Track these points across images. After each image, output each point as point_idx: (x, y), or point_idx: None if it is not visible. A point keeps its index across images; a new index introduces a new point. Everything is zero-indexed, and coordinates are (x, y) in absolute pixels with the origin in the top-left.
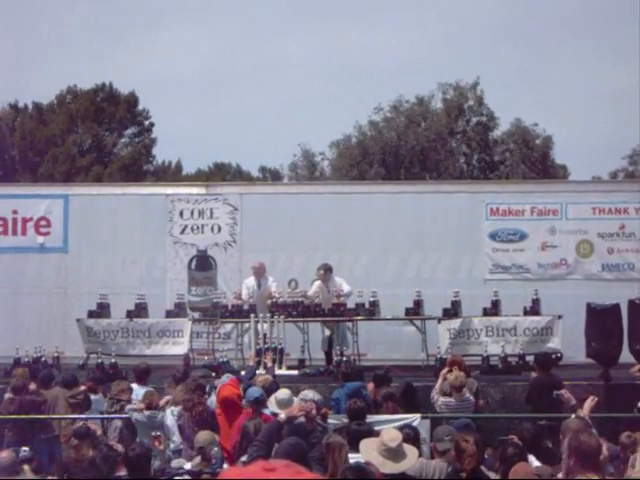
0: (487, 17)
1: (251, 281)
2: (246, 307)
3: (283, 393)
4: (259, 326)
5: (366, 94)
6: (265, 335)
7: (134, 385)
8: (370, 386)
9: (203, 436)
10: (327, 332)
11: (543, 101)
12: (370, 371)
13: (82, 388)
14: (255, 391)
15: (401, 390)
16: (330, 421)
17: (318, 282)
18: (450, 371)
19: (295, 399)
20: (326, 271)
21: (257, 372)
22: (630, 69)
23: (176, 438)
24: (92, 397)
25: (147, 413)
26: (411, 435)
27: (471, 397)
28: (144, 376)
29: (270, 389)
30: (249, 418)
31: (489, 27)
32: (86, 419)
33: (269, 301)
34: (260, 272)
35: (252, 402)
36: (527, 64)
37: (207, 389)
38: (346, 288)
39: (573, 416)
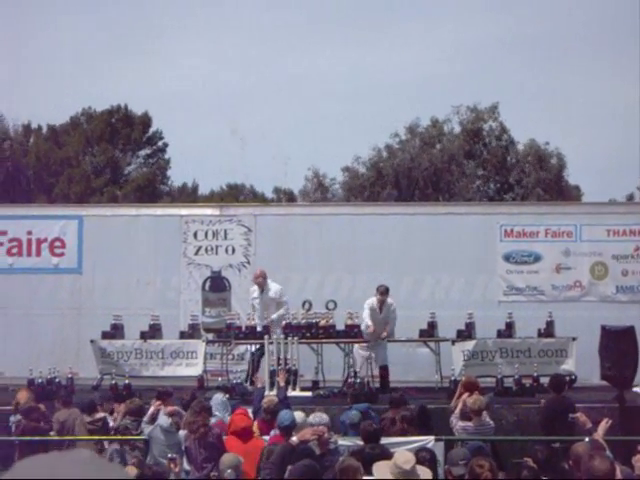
0: (502, 36)
1: (255, 289)
2: (259, 328)
3: (297, 416)
4: (267, 345)
5: (381, 115)
6: (257, 352)
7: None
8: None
9: (229, 458)
10: (363, 353)
11: (558, 121)
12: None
13: (101, 414)
14: (286, 418)
15: (416, 413)
16: (341, 442)
17: (372, 302)
18: (470, 394)
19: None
20: (382, 293)
21: (269, 393)
22: None
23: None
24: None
25: (165, 426)
26: (427, 458)
27: (491, 422)
28: (167, 398)
29: (275, 410)
30: (274, 442)
31: (504, 47)
32: (102, 440)
33: (283, 322)
34: (261, 282)
35: (282, 429)
36: (542, 85)
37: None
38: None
39: (587, 439)
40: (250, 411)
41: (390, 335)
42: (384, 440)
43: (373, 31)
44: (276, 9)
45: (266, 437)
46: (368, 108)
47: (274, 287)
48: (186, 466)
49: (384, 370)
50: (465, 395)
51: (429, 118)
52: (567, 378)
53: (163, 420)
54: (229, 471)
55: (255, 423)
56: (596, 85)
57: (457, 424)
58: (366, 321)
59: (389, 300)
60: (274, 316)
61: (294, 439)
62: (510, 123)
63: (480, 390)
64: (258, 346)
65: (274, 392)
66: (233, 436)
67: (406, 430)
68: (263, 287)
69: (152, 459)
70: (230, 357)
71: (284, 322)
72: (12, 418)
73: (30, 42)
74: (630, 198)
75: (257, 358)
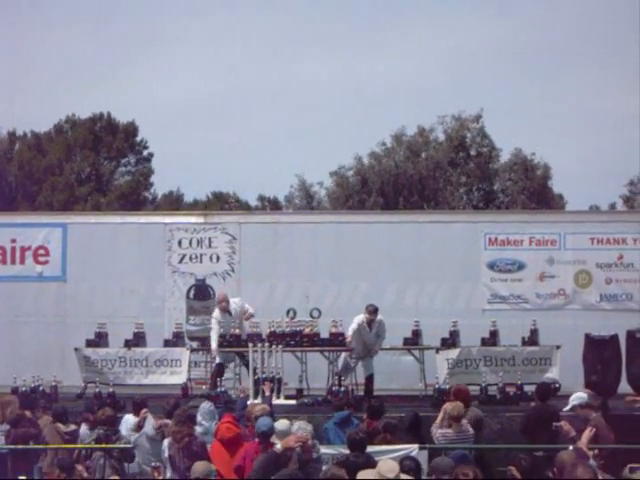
0: (487, 46)
1: (218, 315)
2: (244, 337)
3: (281, 424)
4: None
5: (367, 124)
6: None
7: (129, 416)
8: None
9: (200, 467)
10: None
11: (542, 130)
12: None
13: (72, 426)
14: (264, 424)
15: (409, 421)
16: (324, 451)
17: (360, 319)
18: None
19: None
20: (371, 313)
21: (254, 401)
22: (630, 98)
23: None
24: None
25: (150, 434)
26: (412, 467)
27: (470, 429)
28: (140, 408)
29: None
30: (250, 448)
31: (489, 56)
32: (86, 448)
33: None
34: (225, 306)
35: (260, 435)
36: (526, 94)
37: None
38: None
39: (570, 447)
40: None
41: (376, 352)
42: (368, 449)
43: (360, 41)
44: (262, 19)
45: None
46: (354, 117)
47: (234, 302)
48: (169, 474)
49: (369, 379)
50: (447, 404)
51: (415, 127)
52: (552, 386)
53: (149, 428)
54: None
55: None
56: (581, 94)
57: (437, 432)
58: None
59: (379, 317)
60: (251, 310)
61: (278, 447)
62: (494, 132)
63: (470, 399)
64: (219, 360)
65: (259, 400)
66: (219, 444)
67: (389, 439)
68: (227, 310)
69: (137, 467)
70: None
71: (268, 330)
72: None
73: (15, 49)
74: (612, 207)
75: (218, 369)
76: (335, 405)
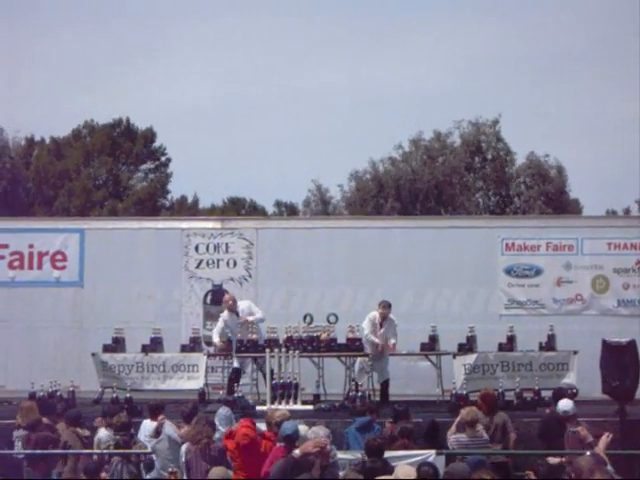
0: (502, 51)
1: (225, 314)
2: (261, 342)
3: (300, 429)
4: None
5: (384, 129)
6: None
7: (147, 421)
8: (387, 422)
9: (217, 471)
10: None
11: (557, 135)
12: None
13: (86, 432)
14: (289, 428)
15: (426, 427)
16: (341, 456)
17: (374, 316)
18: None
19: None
20: (384, 307)
21: (271, 407)
22: None
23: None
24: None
25: (173, 437)
26: (430, 472)
27: (485, 434)
28: (157, 412)
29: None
30: (274, 453)
31: (504, 61)
32: (105, 454)
33: (285, 335)
34: (232, 305)
35: (285, 439)
36: (541, 98)
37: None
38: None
39: (588, 453)
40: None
41: (394, 349)
42: (386, 454)
43: (377, 46)
44: (279, 24)
45: None
46: (371, 122)
47: (241, 304)
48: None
49: (385, 384)
50: (462, 409)
51: (432, 131)
52: (569, 392)
53: (170, 431)
54: None
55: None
56: (596, 99)
57: (451, 437)
58: (370, 337)
59: (391, 316)
60: (251, 317)
61: (297, 452)
62: (511, 137)
63: (496, 405)
64: (236, 364)
65: (273, 407)
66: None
67: (407, 445)
68: (234, 310)
69: (156, 473)
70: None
71: (285, 335)
72: (15, 433)
73: (33, 55)
74: (627, 211)
75: (234, 374)
76: (356, 410)
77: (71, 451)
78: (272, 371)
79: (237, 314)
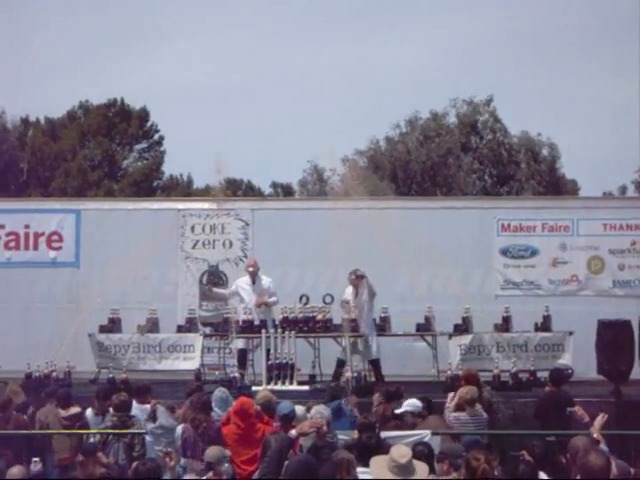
0: (497, 31)
1: (244, 279)
2: (257, 322)
3: (296, 409)
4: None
5: (380, 109)
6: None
7: (133, 402)
8: (376, 400)
9: (213, 451)
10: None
11: (552, 115)
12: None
13: (77, 409)
14: (286, 407)
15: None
16: (341, 437)
17: (349, 289)
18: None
19: (308, 415)
20: (357, 276)
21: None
22: None
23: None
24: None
25: (167, 425)
26: (425, 452)
27: (484, 413)
28: (144, 394)
29: (270, 406)
30: (272, 432)
31: (499, 41)
32: (102, 433)
33: (280, 316)
34: (254, 271)
35: (281, 418)
36: (537, 79)
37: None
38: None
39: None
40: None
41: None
42: (381, 434)
43: (372, 26)
44: (274, 5)
45: None
46: (367, 102)
47: (266, 279)
48: (182, 461)
49: (375, 364)
50: (462, 389)
51: (428, 111)
52: (566, 372)
53: (163, 419)
54: (226, 465)
55: None
56: (591, 79)
57: (450, 415)
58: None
59: (262, 276)
60: (270, 300)
61: (293, 432)
62: (505, 116)
63: (480, 384)
64: (241, 345)
65: (269, 387)
66: (235, 427)
67: (401, 425)
68: (255, 278)
69: (153, 454)
70: (227, 351)
71: (281, 316)
72: None
73: (28, 36)
74: (623, 190)
75: (241, 354)
76: (328, 395)
77: (52, 431)
78: (268, 351)
79: (254, 282)
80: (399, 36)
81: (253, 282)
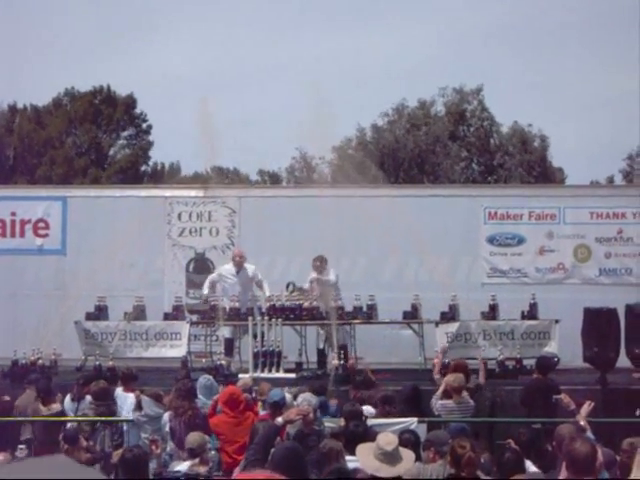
0: (488, 21)
1: (227, 267)
2: (243, 310)
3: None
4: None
5: (368, 97)
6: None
7: (118, 390)
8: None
9: (194, 437)
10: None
11: (541, 105)
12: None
13: (57, 405)
14: (276, 395)
15: (407, 393)
16: (328, 424)
17: (313, 274)
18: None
19: (295, 403)
20: (322, 262)
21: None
22: (629, 74)
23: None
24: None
25: (152, 414)
26: (412, 440)
27: (470, 400)
28: (130, 381)
29: (249, 394)
30: (260, 420)
31: (490, 31)
32: (93, 421)
33: (267, 304)
34: (240, 261)
35: (271, 405)
36: (526, 69)
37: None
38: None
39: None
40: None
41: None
42: (368, 422)
43: (362, 15)
44: None
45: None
46: (355, 91)
47: (250, 267)
48: (168, 449)
49: (344, 349)
50: (448, 376)
51: (416, 100)
52: (553, 360)
53: (148, 407)
54: (213, 452)
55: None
56: (580, 69)
57: (437, 403)
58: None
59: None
60: (268, 293)
61: (279, 420)
62: (494, 106)
63: (468, 374)
64: (228, 334)
65: (255, 375)
66: (225, 408)
67: (389, 412)
68: (240, 268)
69: (139, 441)
70: (214, 338)
71: (267, 303)
72: None
73: (15, 23)
74: (611, 180)
75: (228, 344)
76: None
77: (36, 418)
78: (255, 337)
79: (238, 272)
80: (388, 25)
81: (237, 272)
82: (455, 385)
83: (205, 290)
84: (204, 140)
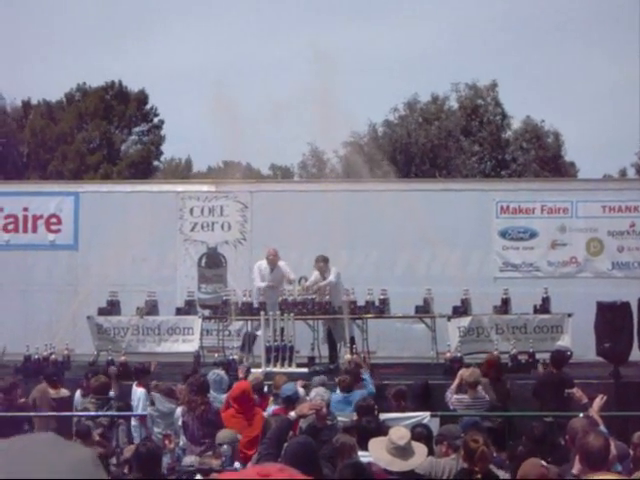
0: (500, 16)
1: (264, 264)
2: (256, 305)
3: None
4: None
5: (381, 91)
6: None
7: (134, 386)
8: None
9: (225, 434)
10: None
11: (554, 99)
12: (380, 368)
13: (66, 392)
14: (289, 389)
15: (418, 389)
16: (341, 419)
17: (315, 273)
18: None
19: (307, 397)
20: (325, 262)
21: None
22: None
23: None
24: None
25: (164, 410)
26: (424, 434)
27: (486, 396)
28: (143, 376)
29: (262, 387)
30: (273, 414)
31: (502, 26)
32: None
33: (281, 298)
34: (274, 260)
35: (284, 400)
36: (538, 63)
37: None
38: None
39: (581, 415)
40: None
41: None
42: (380, 416)
43: (374, 9)
44: None
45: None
46: (368, 83)
47: (282, 264)
48: (181, 443)
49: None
50: (462, 370)
51: (429, 94)
52: (567, 353)
53: (160, 403)
54: (225, 447)
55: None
56: (592, 63)
57: (452, 397)
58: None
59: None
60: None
61: (292, 414)
62: (507, 101)
63: (502, 372)
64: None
65: (262, 370)
66: (234, 404)
67: (403, 406)
68: (273, 266)
69: (153, 435)
70: (226, 333)
71: (280, 298)
72: None
73: (27, 18)
74: (623, 174)
75: (250, 338)
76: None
77: (41, 414)
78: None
79: (272, 270)
80: (401, 18)
81: (272, 270)
82: (471, 380)
83: (261, 283)
84: (222, 124)
